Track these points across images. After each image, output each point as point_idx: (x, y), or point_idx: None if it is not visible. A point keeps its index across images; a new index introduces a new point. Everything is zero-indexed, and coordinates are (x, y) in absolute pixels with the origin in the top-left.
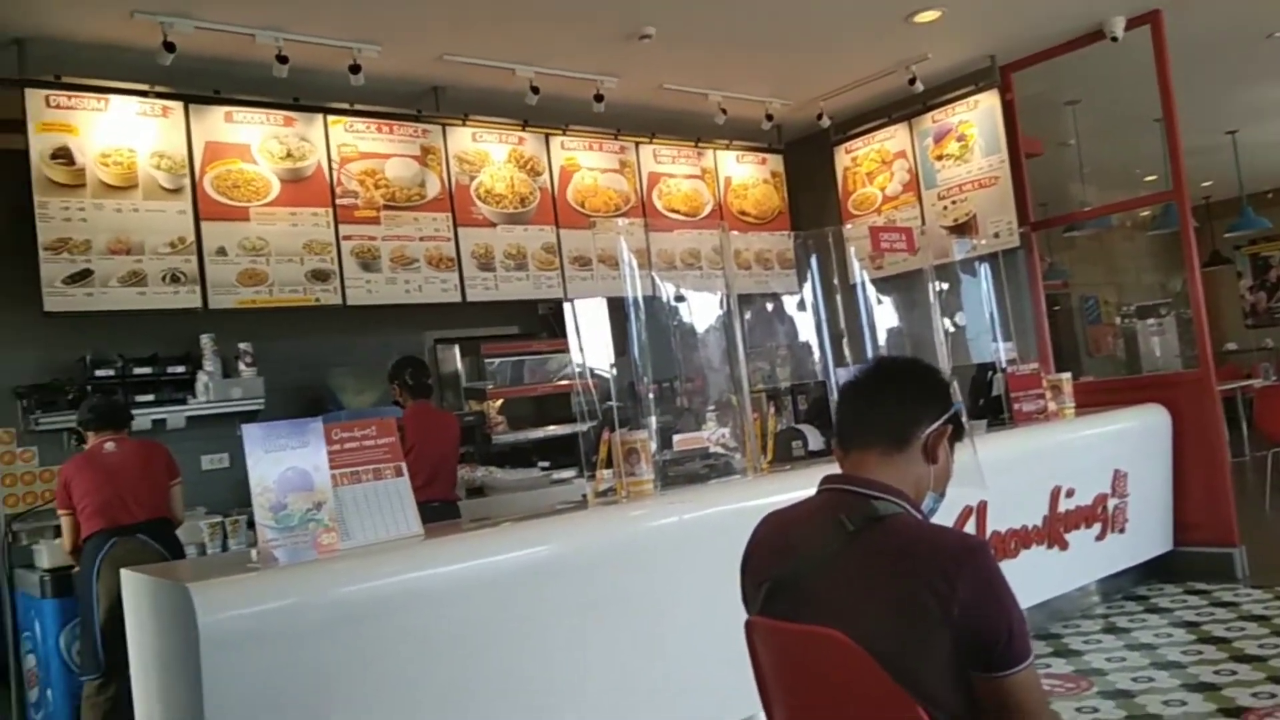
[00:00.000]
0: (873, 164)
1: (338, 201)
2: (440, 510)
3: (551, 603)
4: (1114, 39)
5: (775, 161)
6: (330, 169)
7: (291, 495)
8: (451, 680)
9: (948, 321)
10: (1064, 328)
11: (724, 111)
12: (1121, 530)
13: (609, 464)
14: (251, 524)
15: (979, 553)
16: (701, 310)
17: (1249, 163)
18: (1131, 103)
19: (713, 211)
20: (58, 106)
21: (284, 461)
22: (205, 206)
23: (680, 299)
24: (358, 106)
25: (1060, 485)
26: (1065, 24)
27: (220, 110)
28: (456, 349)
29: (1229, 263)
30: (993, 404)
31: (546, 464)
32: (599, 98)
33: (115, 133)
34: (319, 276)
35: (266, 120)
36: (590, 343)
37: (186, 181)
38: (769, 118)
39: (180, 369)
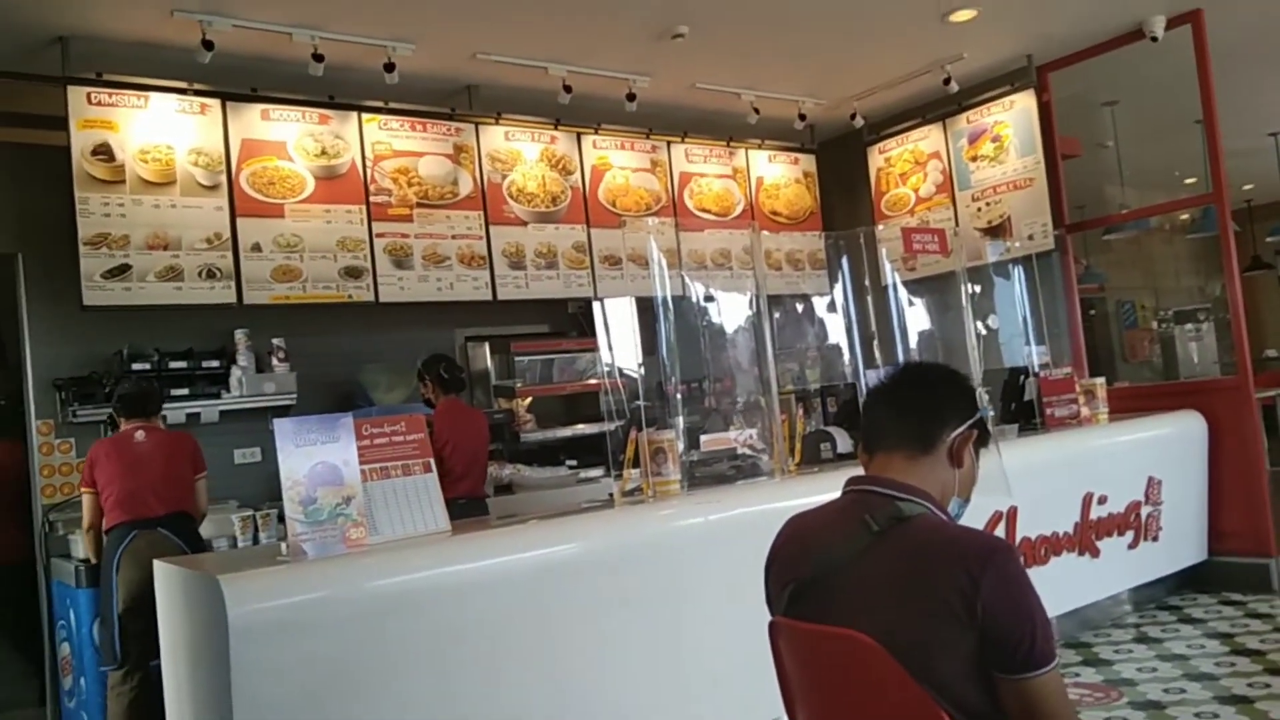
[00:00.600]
0: (906, 164)
1: (371, 199)
2: (468, 507)
3: (577, 601)
4: (1154, 39)
5: (807, 161)
6: (364, 167)
7: (321, 489)
8: (477, 675)
9: (980, 324)
10: (1099, 332)
11: (756, 111)
12: (1155, 538)
13: (636, 463)
14: (282, 518)
15: (1003, 553)
16: (731, 310)
17: None
18: (1171, 104)
19: (744, 211)
20: (99, 104)
21: (314, 456)
22: (241, 203)
23: (710, 299)
24: (392, 105)
25: (1092, 492)
26: (1104, 23)
27: (257, 108)
28: (486, 347)
29: (1270, 268)
30: (1025, 408)
31: (574, 462)
32: (631, 97)
33: (154, 130)
34: (352, 273)
35: (302, 118)
36: (619, 342)
37: (223, 178)
38: (802, 117)
39: (215, 363)
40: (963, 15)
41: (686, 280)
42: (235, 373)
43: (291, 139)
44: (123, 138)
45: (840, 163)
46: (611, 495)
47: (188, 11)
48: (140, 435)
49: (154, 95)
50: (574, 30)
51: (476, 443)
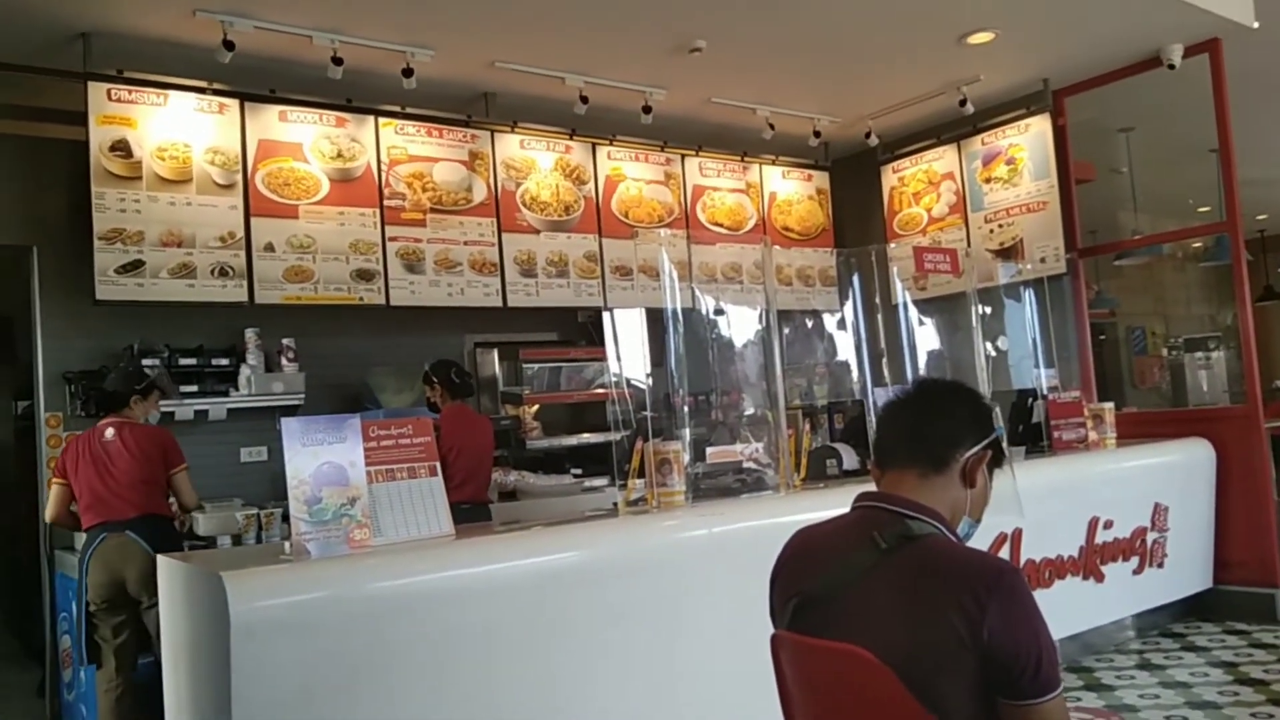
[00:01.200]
0: (919, 184)
1: (385, 203)
2: (472, 512)
3: (578, 609)
4: (1171, 66)
5: (821, 178)
6: (379, 170)
7: (326, 489)
8: (476, 680)
9: (990, 346)
10: (1109, 358)
11: (771, 127)
12: (1160, 565)
13: (641, 474)
14: (286, 517)
15: (1011, 577)
16: (740, 324)
17: None
18: (1187, 132)
19: (756, 226)
20: (118, 100)
21: (320, 456)
22: (256, 203)
23: (720, 312)
24: (409, 110)
25: (1098, 516)
26: (1121, 50)
27: (275, 109)
28: (495, 353)
29: None
30: (1032, 431)
31: (579, 471)
32: (647, 109)
33: (172, 128)
34: (364, 276)
35: (319, 120)
36: (628, 352)
37: (239, 178)
38: (816, 134)
39: (224, 361)
40: (980, 37)
41: (697, 293)
42: (244, 371)
43: (308, 141)
44: (141, 134)
45: (854, 181)
46: (616, 504)
47: (210, 11)
48: (110, 434)
49: (173, 93)
50: (592, 42)
51: (481, 448)
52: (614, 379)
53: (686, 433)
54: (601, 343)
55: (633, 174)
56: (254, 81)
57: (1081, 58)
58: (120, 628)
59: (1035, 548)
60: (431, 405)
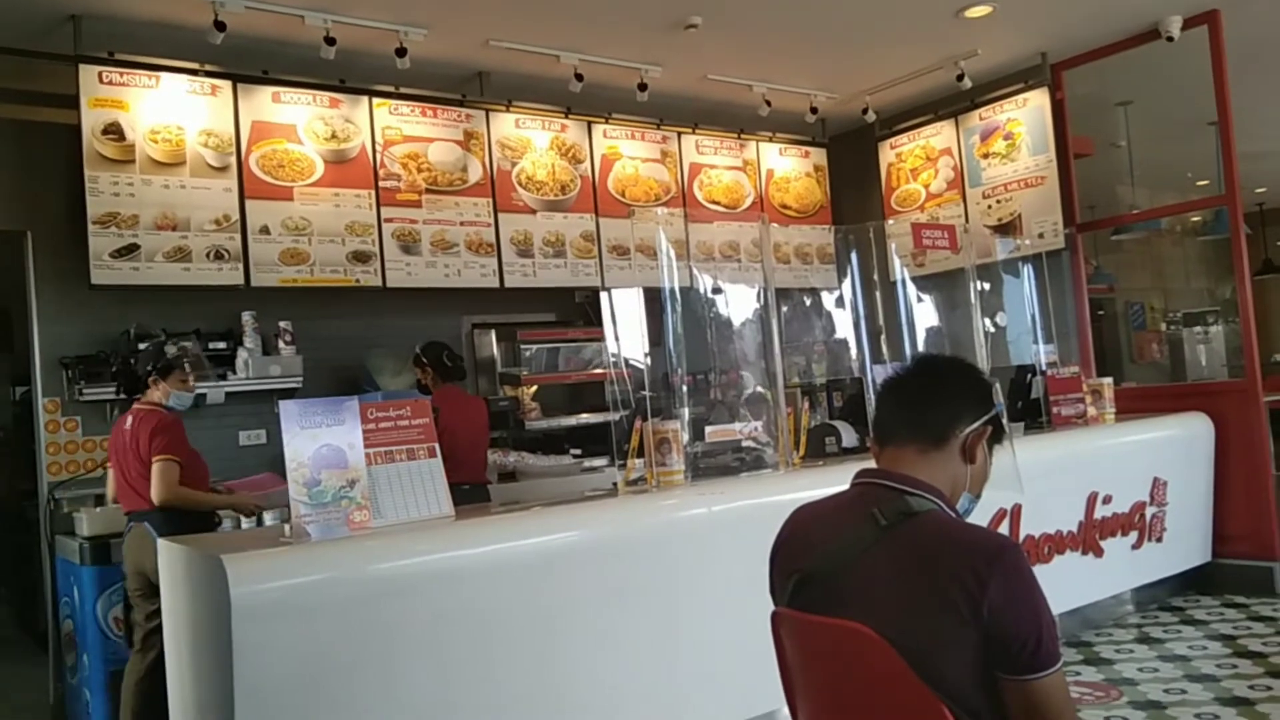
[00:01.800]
0: (917, 160)
1: (380, 184)
2: (470, 493)
3: (578, 588)
4: (1170, 39)
5: (818, 155)
6: (374, 151)
7: (326, 472)
8: (477, 660)
9: (988, 322)
10: (1108, 333)
11: (768, 104)
12: (1159, 539)
13: (640, 453)
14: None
15: (1011, 553)
16: (738, 303)
17: None
18: (1185, 105)
19: (753, 204)
20: (110, 83)
21: (319, 438)
22: (250, 185)
23: (717, 291)
24: (403, 90)
25: (1097, 491)
26: (1120, 23)
27: (268, 90)
28: (493, 334)
29: None
30: (1031, 407)
31: (578, 451)
32: (643, 87)
33: (165, 110)
34: (360, 258)
35: (313, 101)
36: (626, 332)
37: (233, 160)
38: (813, 111)
39: (221, 345)
40: (978, 11)
41: (694, 271)
42: (242, 355)
43: (302, 122)
44: (133, 117)
45: (851, 157)
46: (615, 484)
47: None
48: (128, 422)
49: (165, 75)
50: (586, 19)
51: (475, 430)
52: (612, 359)
53: (685, 412)
54: (599, 323)
55: (629, 152)
56: (246, 63)
57: (1079, 31)
58: (154, 615)
59: (1034, 523)
60: (423, 388)
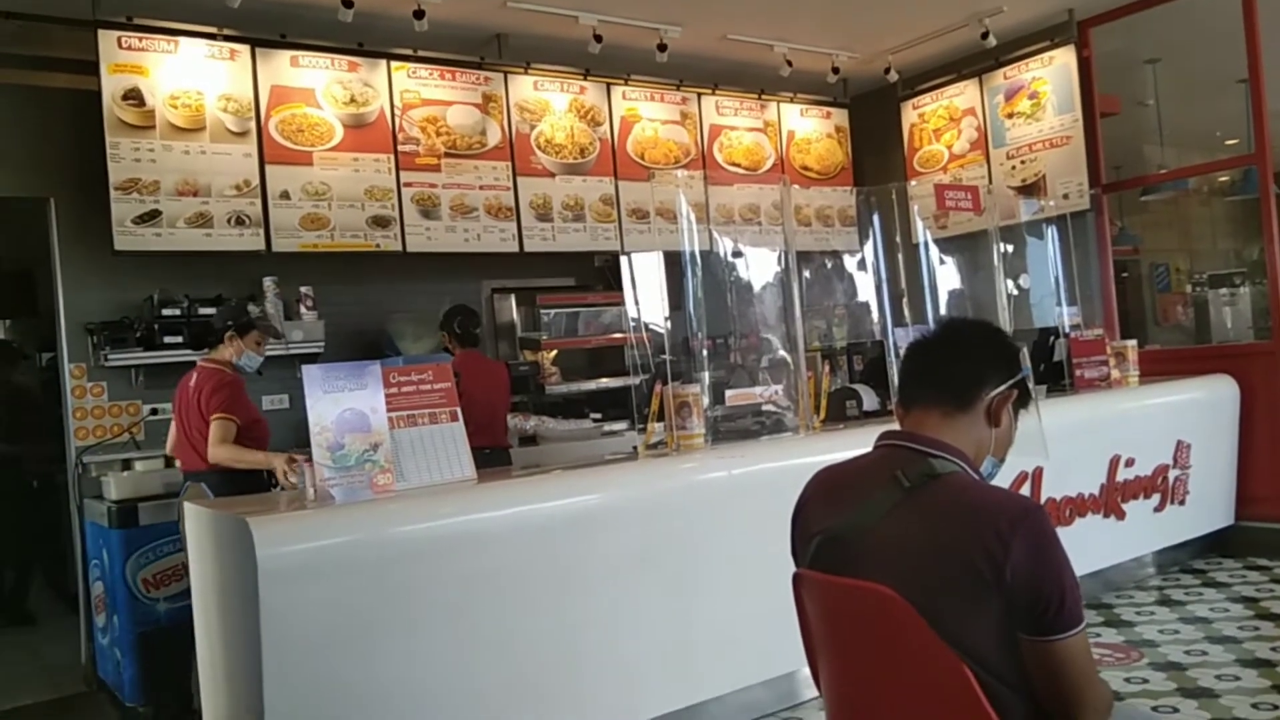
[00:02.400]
0: (940, 121)
1: (399, 148)
2: (492, 457)
3: (599, 551)
4: None
5: (840, 116)
6: (393, 115)
7: (349, 436)
8: (498, 621)
9: (1011, 284)
10: (1132, 295)
11: (789, 64)
12: (1182, 502)
13: (660, 417)
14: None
15: (1035, 515)
16: (759, 266)
17: None
18: (1214, 62)
19: (774, 166)
20: (129, 48)
21: (342, 403)
22: (270, 150)
23: (738, 254)
24: (421, 53)
25: (1120, 454)
26: None
27: (286, 54)
28: (513, 299)
29: None
30: (1054, 369)
31: (599, 415)
32: (662, 47)
33: (184, 75)
34: (379, 223)
35: (331, 65)
36: (645, 296)
37: (252, 125)
38: (835, 71)
39: None
40: None
41: (715, 235)
42: None
43: (320, 86)
44: (153, 83)
45: (873, 118)
46: (635, 448)
47: None
48: (193, 379)
49: (184, 40)
50: None
51: (494, 395)
52: (632, 323)
53: (705, 376)
54: (619, 287)
55: (648, 114)
56: (264, 27)
57: None
58: None
59: (1057, 486)
60: (448, 351)
